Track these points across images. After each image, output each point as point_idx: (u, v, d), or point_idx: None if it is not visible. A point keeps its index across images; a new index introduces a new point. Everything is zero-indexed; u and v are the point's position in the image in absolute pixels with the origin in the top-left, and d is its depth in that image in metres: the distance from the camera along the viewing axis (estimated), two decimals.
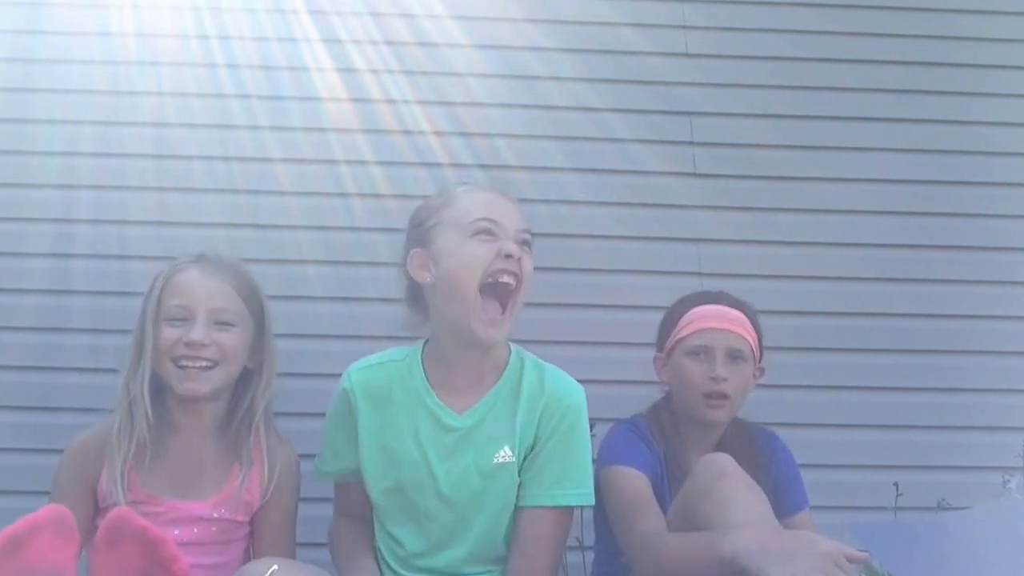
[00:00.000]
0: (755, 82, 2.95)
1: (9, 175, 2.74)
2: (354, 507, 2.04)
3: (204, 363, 1.95)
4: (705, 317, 2.17)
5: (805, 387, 2.70)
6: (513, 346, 1.99)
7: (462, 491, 1.90)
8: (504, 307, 1.86)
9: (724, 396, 2.12)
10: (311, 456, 2.46)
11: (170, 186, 2.75)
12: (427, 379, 1.94)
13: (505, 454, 1.88)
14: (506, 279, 1.84)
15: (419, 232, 1.90)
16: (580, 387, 1.97)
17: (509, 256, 1.81)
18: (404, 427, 1.93)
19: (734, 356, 2.14)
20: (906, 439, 2.73)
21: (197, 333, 1.93)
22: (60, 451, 2.02)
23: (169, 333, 1.95)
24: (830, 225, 2.86)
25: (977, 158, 2.93)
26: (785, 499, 2.11)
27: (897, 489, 2.47)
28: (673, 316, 2.23)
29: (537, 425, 1.89)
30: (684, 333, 2.17)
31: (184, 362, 1.95)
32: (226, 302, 1.99)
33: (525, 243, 1.89)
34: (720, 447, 2.12)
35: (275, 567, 1.61)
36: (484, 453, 1.89)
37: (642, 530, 1.91)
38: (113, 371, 2.51)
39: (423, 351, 1.98)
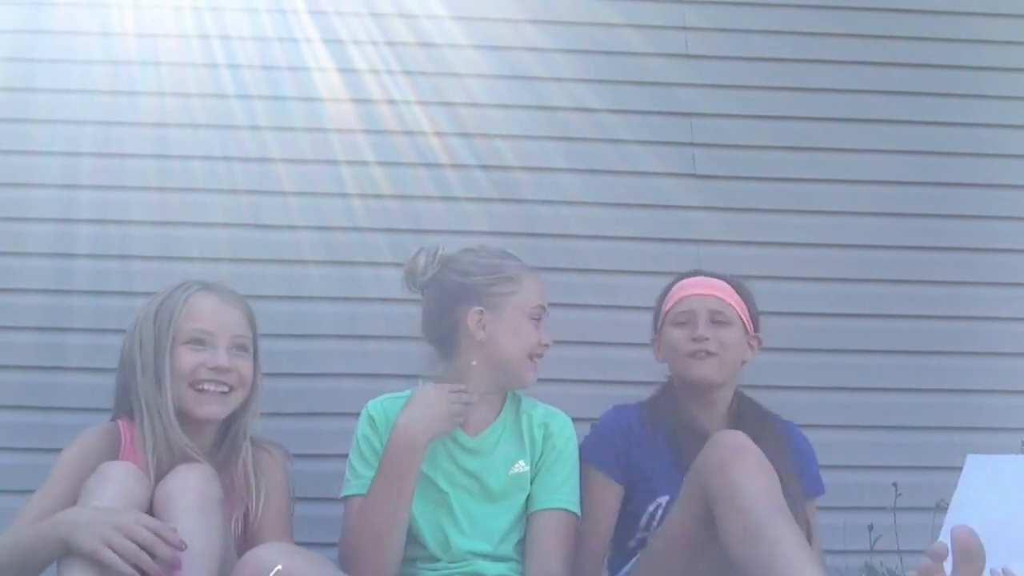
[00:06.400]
0: (755, 83, 2.95)
1: (10, 175, 2.74)
2: None
3: (224, 388, 1.99)
4: (685, 287, 2.27)
5: (804, 387, 2.71)
6: None
7: (479, 493, 2.07)
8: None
9: (708, 353, 2.17)
10: (311, 456, 2.47)
11: (171, 186, 2.76)
12: None
13: (520, 466, 2.09)
14: (540, 356, 2.15)
15: (485, 295, 2.10)
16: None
17: (547, 345, 2.14)
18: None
19: (716, 319, 2.19)
20: (906, 439, 2.73)
21: (222, 359, 1.97)
22: (61, 451, 2.00)
23: (190, 357, 1.97)
24: (829, 226, 2.87)
25: (977, 160, 2.94)
26: (803, 483, 2.12)
27: (896, 489, 2.48)
28: (660, 298, 2.32)
29: (543, 442, 2.12)
30: (668, 306, 2.26)
31: (206, 386, 1.97)
32: (243, 329, 2.05)
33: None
34: (733, 423, 2.15)
35: (279, 567, 1.61)
36: (501, 467, 2.08)
37: (585, 550, 2.08)
38: (114, 371, 2.51)
39: None
